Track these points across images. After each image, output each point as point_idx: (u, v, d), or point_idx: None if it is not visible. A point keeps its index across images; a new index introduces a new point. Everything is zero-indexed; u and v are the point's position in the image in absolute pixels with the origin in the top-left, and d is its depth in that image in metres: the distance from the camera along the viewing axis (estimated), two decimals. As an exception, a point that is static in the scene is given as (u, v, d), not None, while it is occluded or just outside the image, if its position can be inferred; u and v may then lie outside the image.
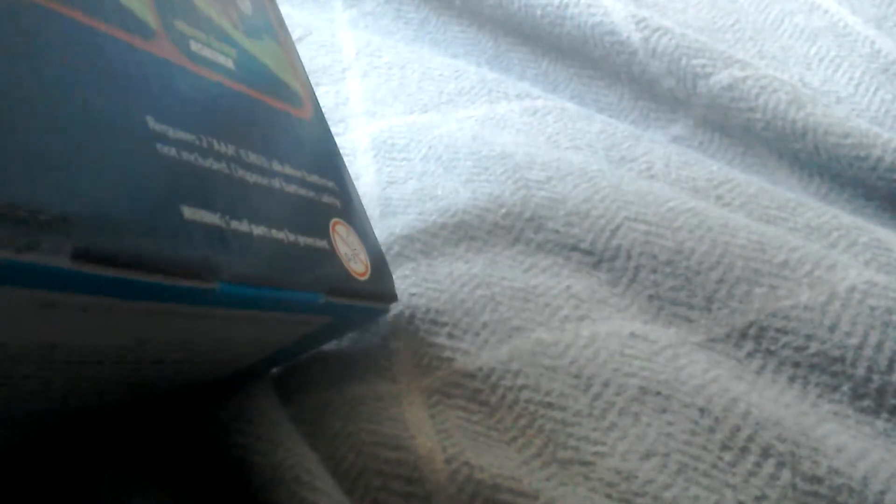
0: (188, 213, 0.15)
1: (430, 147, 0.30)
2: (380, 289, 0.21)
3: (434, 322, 0.23)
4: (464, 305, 0.23)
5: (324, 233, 0.19)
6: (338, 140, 0.32)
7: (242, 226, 0.16)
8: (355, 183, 0.30)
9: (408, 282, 0.24)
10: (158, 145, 0.15)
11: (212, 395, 0.21)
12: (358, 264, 0.20)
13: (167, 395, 0.19)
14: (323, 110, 0.34)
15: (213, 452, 0.20)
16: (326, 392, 0.22)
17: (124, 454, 0.20)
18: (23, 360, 0.14)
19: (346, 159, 0.31)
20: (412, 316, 0.23)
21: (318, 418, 0.21)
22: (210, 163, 0.16)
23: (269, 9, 0.22)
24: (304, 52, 0.37)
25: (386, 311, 0.22)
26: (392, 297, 0.22)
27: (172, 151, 0.15)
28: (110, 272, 0.13)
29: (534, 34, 0.35)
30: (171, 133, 0.16)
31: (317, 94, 0.34)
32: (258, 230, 0.17)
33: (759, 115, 0.29)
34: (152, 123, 0.15)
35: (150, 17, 0.17)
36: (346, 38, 0.37)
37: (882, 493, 0.19)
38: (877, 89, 0.31)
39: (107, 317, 0.14)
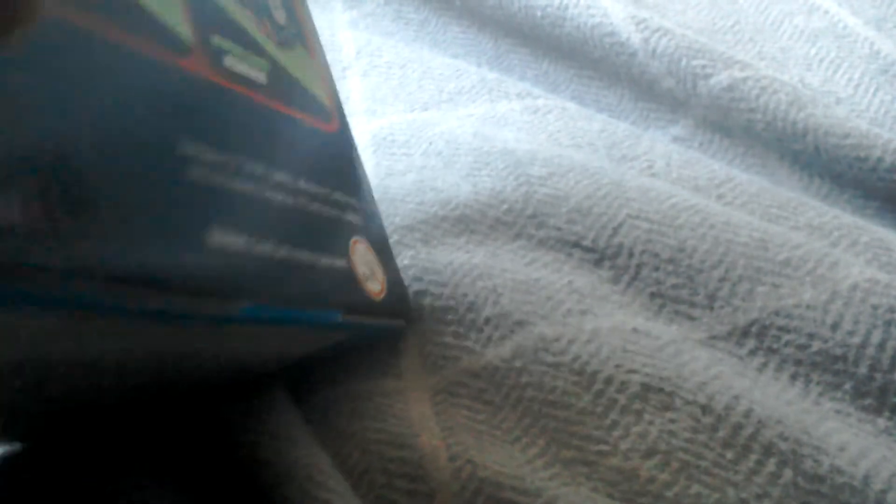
0: (213, 238, 0.15)
1: (430, 143, 0.30)
2: (395, 306, 0.21)
3: (439, 321, 0.23)
4: (466, 299, 0.23)
5: (343, 252, 0.19)
6: (337, 138, 0.32)
7: (267, 248, 0.16)
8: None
9: (409, 273, 0.24)
10: (189, 169, 0.15)
11: (227, 393, 0.21)
12: (374, 283, 0.20)
13: (183, 394, 0.19)
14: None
15: (224, 449, 0.20)
16: (333, 389, 0.22)
17: (140, 454, 0.20)
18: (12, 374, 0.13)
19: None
20: (417, 312, 0.23)
21: (324, 416, 0.21)
22: (239, 184, 0.16)
23: (301, 15, 0.22)
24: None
25: (402, 326, 0.22)
26: (408, 313, 0.22)
27: (203, 174, 0.15)
28: (137, 294, 0.13)
29: (534, 35, 0.35)
30: (203, 155, 0.15)
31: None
32: (281, 252, 0.17)
33: (759, 116, 0.29)
34: (184, 146, 0.15)
35: (186, 32, 0.16)
36: (346, 38, 0.37)
37: (883, 491, 0.19)
38: (876, 90, 0.31)
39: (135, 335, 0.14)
